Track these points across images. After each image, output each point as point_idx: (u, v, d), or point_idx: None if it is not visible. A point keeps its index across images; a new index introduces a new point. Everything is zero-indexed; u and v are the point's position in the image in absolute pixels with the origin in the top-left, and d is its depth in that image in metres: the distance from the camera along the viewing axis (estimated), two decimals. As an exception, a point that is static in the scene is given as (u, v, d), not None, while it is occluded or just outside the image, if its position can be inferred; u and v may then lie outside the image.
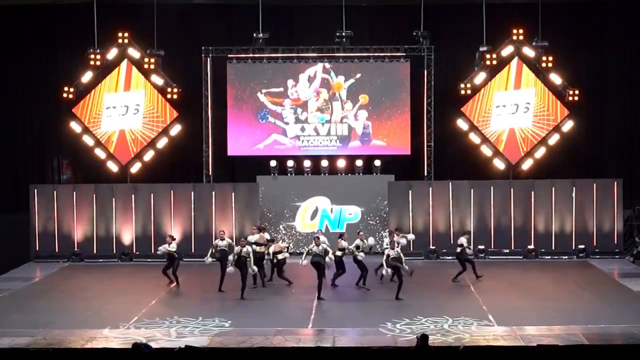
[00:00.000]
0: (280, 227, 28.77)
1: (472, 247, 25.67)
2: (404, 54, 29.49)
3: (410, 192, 28.45)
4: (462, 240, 24.42)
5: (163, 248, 23.74)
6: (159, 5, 28.85)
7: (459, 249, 24.43)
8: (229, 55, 29.53)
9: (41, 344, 17.60)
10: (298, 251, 28.24)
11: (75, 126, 29.45)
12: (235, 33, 30.27)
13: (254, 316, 20.42)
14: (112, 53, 29.35)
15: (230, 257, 22.65)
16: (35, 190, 28.64)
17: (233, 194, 28.54)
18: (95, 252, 28.35)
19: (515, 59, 29.16)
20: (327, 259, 22.50)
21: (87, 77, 29.26)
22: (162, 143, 29.65)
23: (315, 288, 22.09)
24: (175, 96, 29.36)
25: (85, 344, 17.99)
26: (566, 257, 28.04)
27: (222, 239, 23.42)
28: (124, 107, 29.56)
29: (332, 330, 18.97)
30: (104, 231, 28.44)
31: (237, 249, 22.49)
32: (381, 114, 29.62)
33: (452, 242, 28.15)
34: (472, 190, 28.42)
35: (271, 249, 23.94)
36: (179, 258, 23.90)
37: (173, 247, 23.66)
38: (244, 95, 29.73)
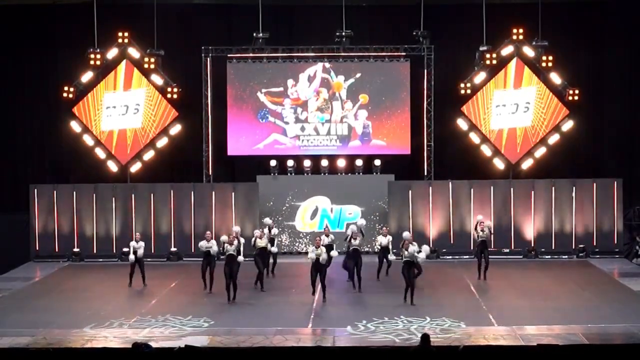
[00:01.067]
0: (278, 221, 28.82)
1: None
2: (404, 54, 29.50)
3: (410, 192, 28.45)
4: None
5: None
6: (159, 5, 28.85)
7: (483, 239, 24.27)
8: (229, 55, 29.54)
9: (41, 344, 17.60)
10: (297, 251, 28.46)
11: (75, 126, 29.46)
12: (235, 33, 30.28)
13: (253, 316, 20.42)
14: (112, 53, 29.35)
15: (216, 248, 22.68)
16: (35, 190, 28.64)
17: (233, 193, 28.55)
18: (95, 252, 28.35)
19: (515, 59, 29.17)
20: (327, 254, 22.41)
21: (87, 77, 29.27)
22: (162, 143, 29.66)
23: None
24: (175, 96, 29.37)
25: (85, 343, 18.00)
26: (566, 257, 28.05)
27: (208, 240, 23.30)
28: (124, 107, 29.57)
29: (333, 330, 18.99)
30: (104, 231, 28.45)
31: (226, 246, 22.12)
32: (381, 114, 29.64)
33: (452, 242, 28.21)
34: (472, 190, 28.43)
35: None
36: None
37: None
38: (244, 95, 29.74)
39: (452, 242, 28.22)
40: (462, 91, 29.07)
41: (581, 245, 28.04)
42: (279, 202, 28.94)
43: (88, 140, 29.54)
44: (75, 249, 28.23)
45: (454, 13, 29.90)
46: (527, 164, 29.40)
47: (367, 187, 29.05)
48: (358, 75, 29.63)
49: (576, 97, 28.83)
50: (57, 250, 28.33)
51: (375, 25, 30.51)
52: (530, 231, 28.27)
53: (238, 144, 29.76)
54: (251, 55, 29.46)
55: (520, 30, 28.87)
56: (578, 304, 21.40)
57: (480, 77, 29.20)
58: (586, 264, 27.08)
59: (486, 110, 29.35)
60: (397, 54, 29.53)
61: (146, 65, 29.27)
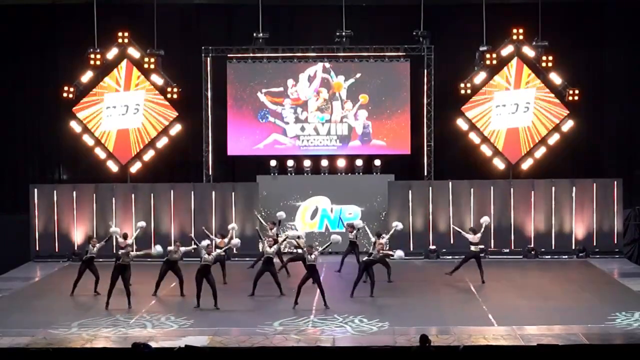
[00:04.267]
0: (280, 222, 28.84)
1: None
2: (404, 54, 29.51)
3: (410, 192, 28.45)
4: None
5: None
6: (159, 5, 28.87)
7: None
8: (229, 55, 29.55)
9: (41, 344, 17.60)
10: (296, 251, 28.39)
11: (75, 126, 29.47)
12: (235, 33, 30.29)
13: (253, 316, 20.40)
14: (112, 53, 29.37)
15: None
16: (35, 190, 28.65)
17: (233, 194, 28.55)
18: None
19: (515, 59, 29.18)
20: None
21: (87, 77, 29.28)
22: (162, 143, 29.68)
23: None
24: (175, 96, 29.39)
25: (85, 343, 18.00)
26: (566, 257, 28.05)
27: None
28: (124, 107, 29.59)
29: (332, 330, 18.99)
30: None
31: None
32: (381, 114, 29.65)
33: (452, 242, 28.20)
34: (472, 190, 28.43)
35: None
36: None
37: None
38: (244, 95, 29.75)
39: (452, 242, 28.21)
40: (462, 91, 29.07)
41: (581, 246, 28.03)
42: (278, 203, 28.93)
43: (88, 140, 29.55)
44: (76, 249, 28.22)
45: (454, 13, 29.90)
46: (527, 164, 29.40)
47: (367, 187, 29.05)
48: (358, 75, 29.63)
49: (576, 97, 28.83)
50: (57, 250, 28.32)
51: (375, 25, 30.51)
52: (530, 231, 28.27)
53: (238, 144, 29.77)
54: (251, 55, 29.47)
55: (520, 30, 28.87)
56: (578, 304, 21.38)
57: (480, 77, 29.21)
58: (586, 264, 27.08)
59: (486, 110, 29.35)
60: (397, 54, 29.54)
61: (146, 65, 29.28)
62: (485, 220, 24.72)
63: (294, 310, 20.68)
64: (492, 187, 28.44)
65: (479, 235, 24.00)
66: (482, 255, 24.81)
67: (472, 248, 23.90)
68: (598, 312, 20.38)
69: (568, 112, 29.14)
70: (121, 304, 21.90)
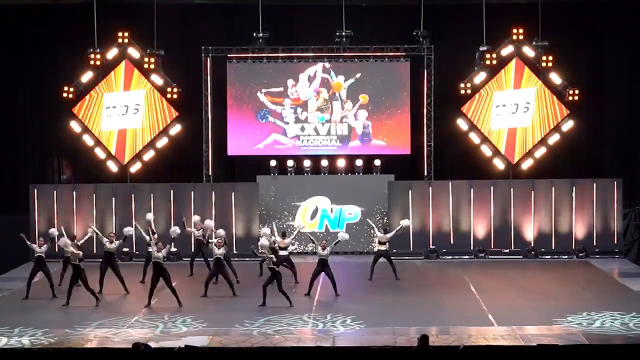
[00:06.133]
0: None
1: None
2: (404, 54, 29.51)
3: (410, 192, 28.46)
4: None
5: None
6: (159, 5, 28.87)
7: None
8: (229, 55, 29.56)
9: (41, 344, 17.61)
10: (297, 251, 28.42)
11: (75, 126, 29.48)
12: (235, 33, 30.29)
13: (253, 316, 20.40)
14: (112, 53, 29.37)
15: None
16: (35, 190, 28.67)
17: (233, 194, 28.56)
18: (95, 252, 28.27)
19: (515, 59, 29.18)
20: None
21: (87, 77, 29.29)
22: (162, 143, 29.68)
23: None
24: (175, 96, 29.39)
25: (85, 344, 18.01)
26: (566, 257, 28.06)
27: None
28: (124, 107, 29.59)
29: (332, 330, 18.99)
30: (104, 231, 28.40)
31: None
32: (381, 114, 29.65)
33: (452, 242, 28.21)
34: (472, 190, 28.44)
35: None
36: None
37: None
38: (244, 95, 29.75)
39: (452, 242, 28.23)
40: (462, 91, 29.07)
41: (581, 246, 28.03)
42: (278, 203, 28.94)
43: (88, 140, 29.55)
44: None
45: (454, 13, 29.89)
46: (527, 164, 29.40)
47: (367, 187, 29.05)
48: (358, 75, 29.63)
49: (576, 97, 28.83)
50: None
51: (375, 25, 30.51)
52: (530, 231, 28.28)
53: (238, 144, 29.77)
54: (251, 55, 29.47)
55: (520, 30, 28.87)
56: (578, 304, 21.38)
57: (480, 77, 29.20)
58: (586, 264, 27.09)
59: (486, 110, 29.36)
60: (397, 54, 29.54)
61: (146, 65, 29.28)
62: (404, 222, 25.04)
63: (286, 309, 20.77)
64: (492, 187, 28.46)
65: (389, 235, 24.30)
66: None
67: (380, 247, 24.17)
68: (598, 312, 20.38)
69: (568, 112, 29.15)
70: (121, 304, 21.94)
